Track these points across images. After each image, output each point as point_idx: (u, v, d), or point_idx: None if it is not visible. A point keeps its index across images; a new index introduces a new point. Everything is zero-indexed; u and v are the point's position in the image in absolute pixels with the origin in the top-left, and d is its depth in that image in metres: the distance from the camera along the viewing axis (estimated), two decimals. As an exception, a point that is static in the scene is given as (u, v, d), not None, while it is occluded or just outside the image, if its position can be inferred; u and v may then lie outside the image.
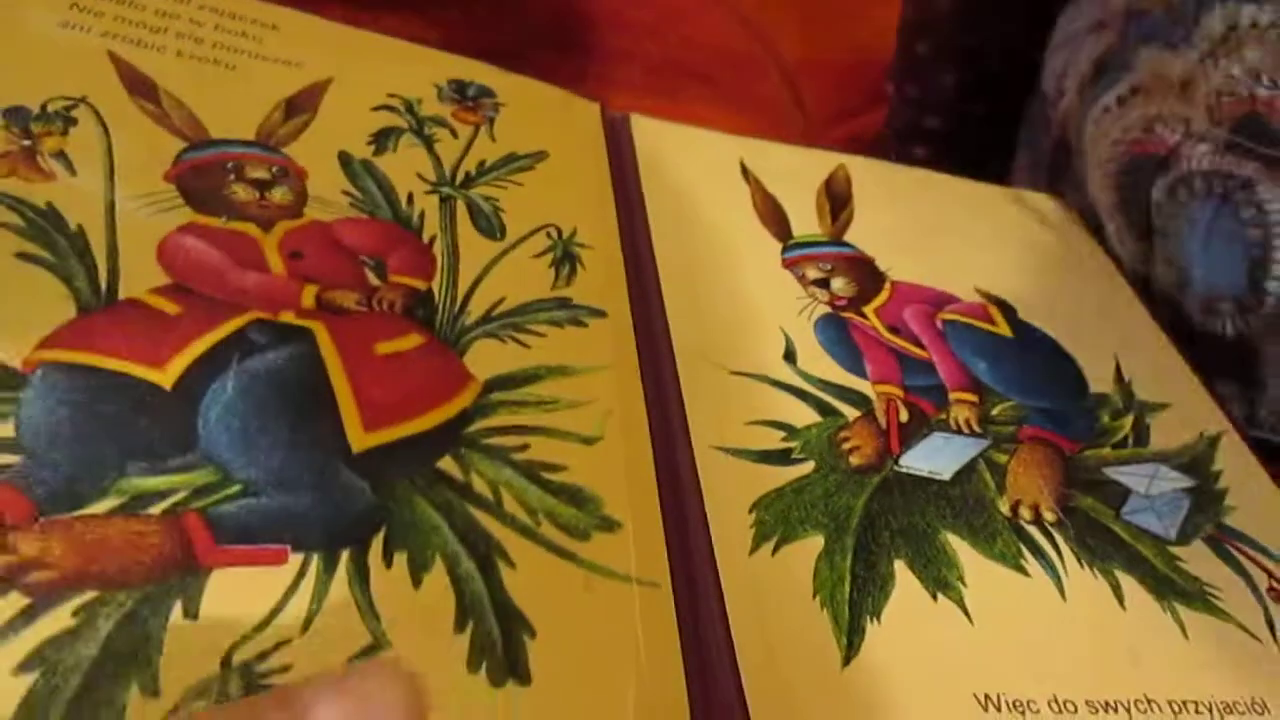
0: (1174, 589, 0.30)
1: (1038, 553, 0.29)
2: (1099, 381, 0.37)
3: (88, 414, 0.22)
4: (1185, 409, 0.37)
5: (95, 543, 0.20)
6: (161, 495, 0.21)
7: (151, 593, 0.20)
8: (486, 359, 0.27)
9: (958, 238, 0.42)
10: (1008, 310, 0.39)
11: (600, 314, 0.30)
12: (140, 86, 0.31)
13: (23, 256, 0.25)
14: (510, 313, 0.29)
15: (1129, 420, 0.36)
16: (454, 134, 0.35)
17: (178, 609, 0.20)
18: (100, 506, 0.21)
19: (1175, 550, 0.31)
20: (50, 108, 0.29)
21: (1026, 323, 0.39)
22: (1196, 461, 0.35)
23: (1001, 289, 0.40)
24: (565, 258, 0.32)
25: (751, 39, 0.47)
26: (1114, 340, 0.39)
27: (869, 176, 0.43)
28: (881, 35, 0.54)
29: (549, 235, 0.32)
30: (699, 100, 0.45)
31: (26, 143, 0.28)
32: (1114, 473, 0.33)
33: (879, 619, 0.26)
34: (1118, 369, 0.38)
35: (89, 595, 0.19)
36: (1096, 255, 0.45)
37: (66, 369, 0.23)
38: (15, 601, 0.19)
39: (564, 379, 0.28)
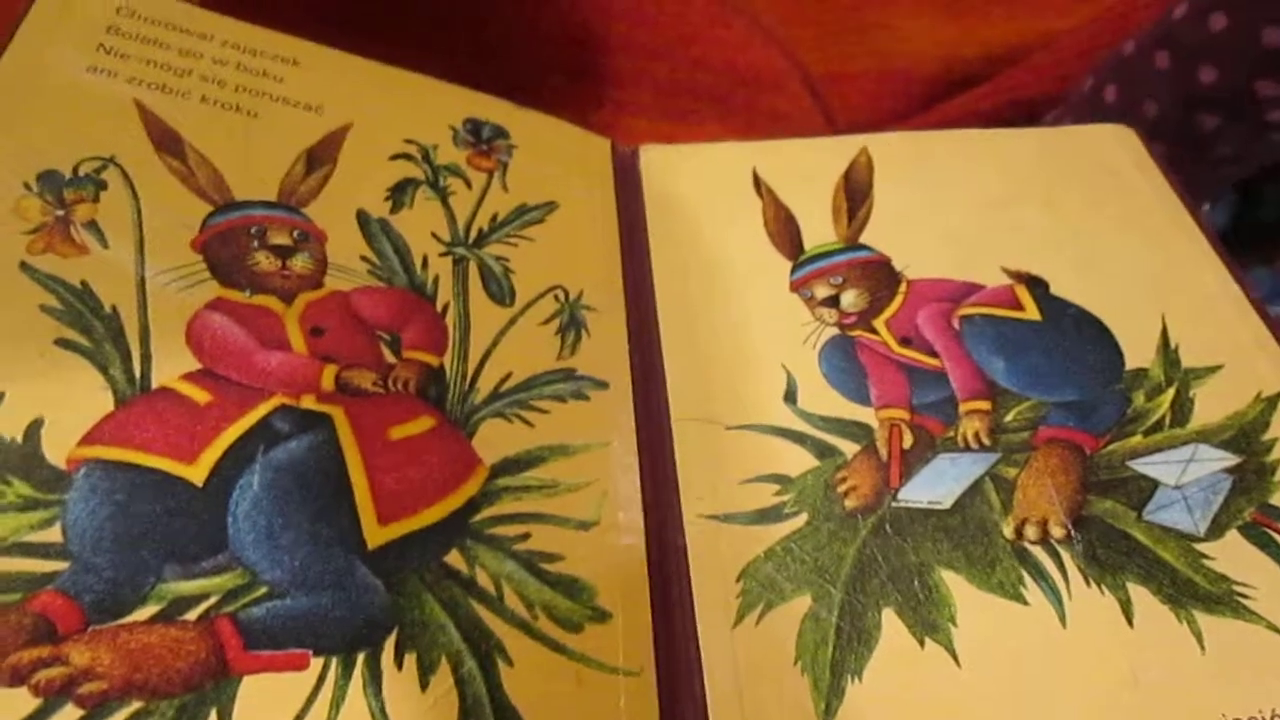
0: (1195, 595, 0.28)
1: (1040, 577, 0.29)
2: (1139, 354, 0.35)
3: (127, 515, 0.24)
4: (1241, 367, 0.34)
5: (139, 651, 0.22)
6: (196, 600, 0.24)
7: (189, 702, 0.22)
8: (494, 440, 0.29)
9: (991, 209, 0.40)
10: (1038, 288, 0.37)
11: (602, 385, 0.32)
12: (167, 141, 0.32)
13: (61, 343, 0.27)
14: (517, 388, 0.31)
15: (1168, 397, 0.33)
16: (468, 184, 0.36)
17: (213, 718, 0.22)
18: (142, 613, 0.23)
19: (1203, 547, 0.29)
20: (81, 170, 0.30)
21: (1059, 299, 0.37)
22: (1245, 433, 0.32)
23: (1035, 262, 0.38)
24: (572, 323, 0.33)
25: (766, 56, 0.47)
26: (1167, 295, 0.37)
27: (897, 153, 0.41)
28: (906, 44, 0.53)
29: (556, 298, 0.34)
30: (713, 120, 0.46)
31: (60, 213, 0.29)
32: (1141, 465, 0.31)
33: (860, 677, 0.27)
34: (1164, 334, 0.35)
35: (135, 706, 0.22)
36: (1162, 194, 0.41)
37: (107, 467, 0.25)
38: (70, 715, 0.21)
39: (565, 459, 0.30)
